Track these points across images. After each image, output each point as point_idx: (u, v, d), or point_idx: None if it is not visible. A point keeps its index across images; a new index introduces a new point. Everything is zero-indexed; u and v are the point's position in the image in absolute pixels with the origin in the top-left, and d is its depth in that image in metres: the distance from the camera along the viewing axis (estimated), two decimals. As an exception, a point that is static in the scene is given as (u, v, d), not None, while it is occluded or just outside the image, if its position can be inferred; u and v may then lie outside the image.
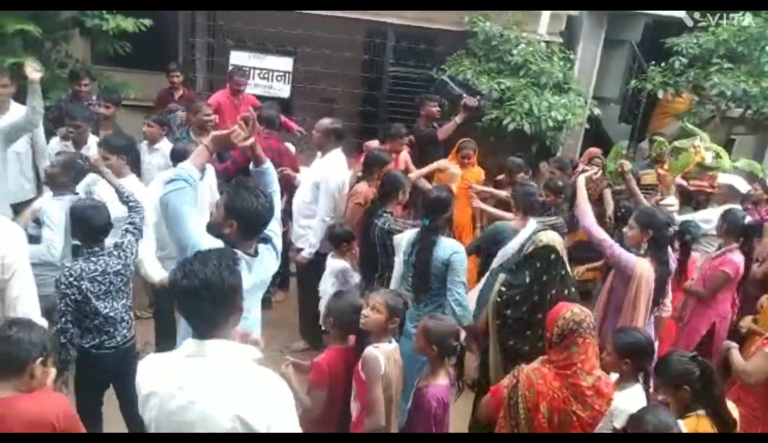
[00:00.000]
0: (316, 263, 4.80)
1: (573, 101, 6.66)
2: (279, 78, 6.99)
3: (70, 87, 5.82)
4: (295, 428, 1.95)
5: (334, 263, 4.50)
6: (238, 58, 6.89)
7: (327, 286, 4.45)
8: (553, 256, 3.42)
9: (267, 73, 6.94)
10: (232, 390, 1.85)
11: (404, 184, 4.25)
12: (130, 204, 3.66)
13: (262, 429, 1.84)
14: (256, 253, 2.69)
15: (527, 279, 3.43)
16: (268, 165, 2.93)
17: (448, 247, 3.72)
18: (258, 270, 2.69)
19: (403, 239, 3.91)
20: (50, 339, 2.42)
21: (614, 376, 2.92)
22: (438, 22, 7.32)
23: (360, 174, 4.88)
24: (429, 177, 5.72)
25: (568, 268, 3.52)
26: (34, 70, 4.36)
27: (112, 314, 3.31)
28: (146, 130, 5.25)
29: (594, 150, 6.46)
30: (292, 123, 6.55)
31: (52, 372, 2.39)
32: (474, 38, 7.13)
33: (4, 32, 5.28)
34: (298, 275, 5.25)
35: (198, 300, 1.87)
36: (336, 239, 4.53)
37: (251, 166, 2.96)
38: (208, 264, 1.90)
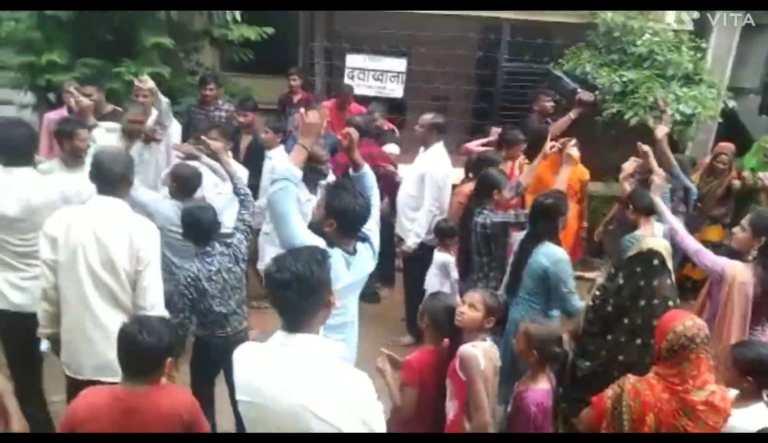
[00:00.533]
0: (422, 255, 4.89)
1: (704, 93, 6.18)
2: (393, 79, 7.08)
3: (198, 92, 6.24)
4: (377, 426, 1.96)
5: (439, 256, 4.67)
6: (354, 60, 7.07)
7: (433, 280, 4.58)
8: (655, 262, 3.17)
9: (381, 74, 7.06)
10: (305, 381, 1.91)
11: (501, 183, 4.17)
12: (241, 197, 3.80)
13: (336, 422, 1.88)
14: (354, 251, 2.79)
15: (621, 281, 3.23)
16: (365, 169, 3.04)
17: (550, 254, 3.58)
18: (356, 267, 2.80)
19: (518, 239, 3.93)
20: (175, 334, 2.61)
21: (733, 392, 2.68)
22: (555, 14, 7.07)
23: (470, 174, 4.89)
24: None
25: (673, 278, 3.24)
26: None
27: (225, 311, 3.52)
28: (263, 137, 5.49)
29: (724, 145, 5.97)
30: (388, 123, 6.55)
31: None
32: (594, 30, 6.82)
33: (143, 45, 5.77)
34: (404, 269, 5.33)
35: (289, 292, 1.94)
36: (440, 233, 4.69)
37: (351, 171, 3.08)
38: (299, 259, 1.98)
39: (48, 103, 6.15)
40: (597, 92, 6.24)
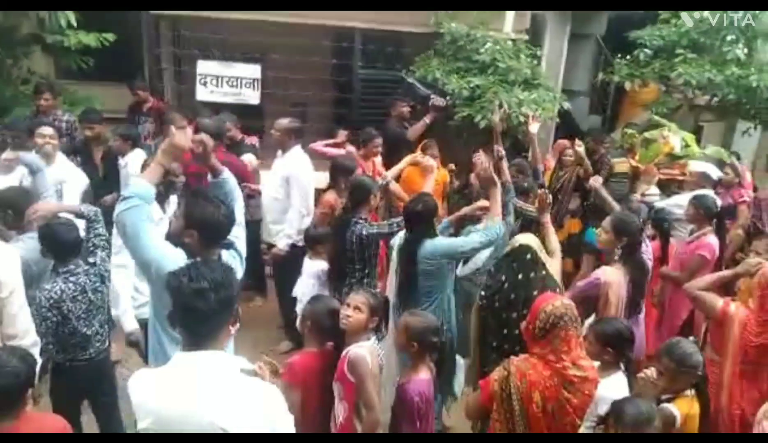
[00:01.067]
0: (293, 258, 4.84)
1: (542, 96, 6.71)
2: (248, 85, 6.93)
3: (33, 103, 5.72)
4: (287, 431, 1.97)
5: (312, 264, 4.49)
6: (205, 67, 6.82)
7: (306, 288, 4.41)
8: (528, 256, 3.38)
9: (236, 80, 6.88)
10: (213, 398, 1.86)
11: (373, 189, 4.23)
12: (87, 215, 3.47)
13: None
14: (219, 260, 2.68)
15: (503, 278, 3.41)
16: (226, 175, 2.91)
17: (430, 250, 3.69)
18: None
19: (395, 243, 3.99)
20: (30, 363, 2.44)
21: (596, 364, 2.94)
22: (404, 24, 7.32)
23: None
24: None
25: (548, 269, 3.46)
26: None
27: (89, 332, 3.30)
28: (114, 145, 5.19)
29: (562, 142, 6.54)
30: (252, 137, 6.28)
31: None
32: (441, 39, 7.15)
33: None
34: (276, 275, 5.28)
35: (201, 302, 1.87)
36: (312, 241, 4.55)
37: (209, 177, 2.95)
38: (215, 268, 1.94)
39: None
40: (448, 97, 6.55)
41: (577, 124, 8.57)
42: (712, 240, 4.54)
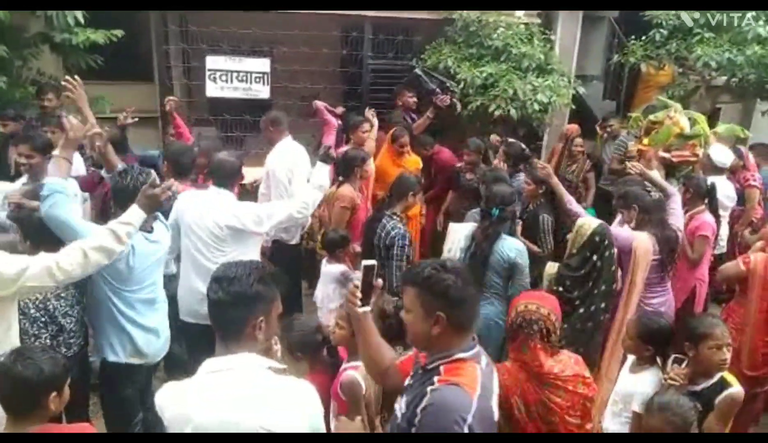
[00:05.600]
0: (276, 252, 4.86)
1: (557, 82, 6.59)
2: (258, 79, 6.84)
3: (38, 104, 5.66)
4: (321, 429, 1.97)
5: (331, 268, 4.35)
6: (214, 62, 6.73)
7: (328, 292, 4.29)
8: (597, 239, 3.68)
9: (245, 75, 6.80)
10: (256, 404, 1.84)
11: (416, 187, 4.23)
12: None
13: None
14: (152, 230, 3.22)
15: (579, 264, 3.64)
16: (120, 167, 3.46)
17: (513, 247, 3.74)
18: (157, 243, 3.26)
19: (459, 231, 3.96)
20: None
21: (630, 358, 2.89)
22: (414, 11, 7.22)
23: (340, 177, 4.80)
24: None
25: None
26: None
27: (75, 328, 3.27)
28: None
29: (570, 127, 6.44)
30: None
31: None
32: (452, 25, 7.03)
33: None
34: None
35: (214, 292, 1.91)
36: (331, 244, 4.40)
37: (104, 172, 3.58)
38: (237, 265, 1.97)
39: None
40: (455, 90, 6.43)
41: (591, 110, 8.43)
42: (708, 218, 4.65)
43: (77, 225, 2.89)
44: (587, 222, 3.76)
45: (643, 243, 3.95)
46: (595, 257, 3.67)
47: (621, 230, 4.09)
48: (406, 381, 2.12)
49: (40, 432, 2.15)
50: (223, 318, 1.93)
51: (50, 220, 2.85)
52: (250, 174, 5.07)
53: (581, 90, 7.06)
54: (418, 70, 6.61)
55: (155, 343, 3.34)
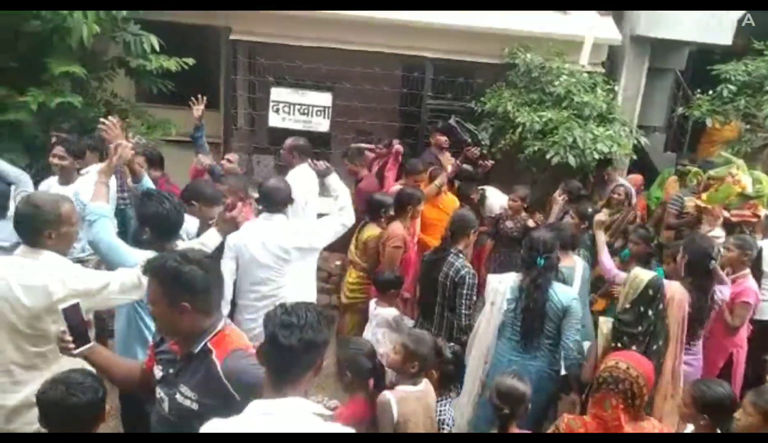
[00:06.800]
0: None
1: (618, 132, 6.49)
2: (318, 113, 7.01)
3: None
4: None
5: (383, 312, 4.21)
6: (278, 94, 6.94)
7: (377, 337, 4.14)
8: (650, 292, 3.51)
9: (307, 108, 6.97)
10: None
11: (476, 224, 4.16)
12: None
13: None
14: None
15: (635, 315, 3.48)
16: (145, 179, 3.60)
17: (565, 293, 3.64)
18: None
19: (502, 282, 3.77)
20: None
21: (689, 427, 2.75)
22: (476, 54, 7.29)
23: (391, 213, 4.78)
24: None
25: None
26: None
27: None
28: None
29: (632, 177, 6.31)
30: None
31: None
32: (514, 70, 7.04)
33: (52, 74, 5.41)
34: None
35: (285, 336, 1.85)
36: (384, 285, 4.30)
37: (130, 181, 3.59)
38: (311, 309, 1.92)
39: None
40: (518, 130, 6.39)
41: (652, 161, 8.25)
42: (752, 283, 4.44)
43: (124, 250, 2.92)
44: (641, 273, 3.61)
45: (677, 290, 3.74)
46: (650, 312, 3.52)
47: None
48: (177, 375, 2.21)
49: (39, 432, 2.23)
50: (290, 364, 1.88)
51: (97, 243, 2.89)
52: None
53: (643, 141, 6.92)
54: (452, 121, 6.57)
55: None
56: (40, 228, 2.62)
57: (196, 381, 2.13)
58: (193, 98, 5.67)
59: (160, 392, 2.24)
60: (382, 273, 4.39)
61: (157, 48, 5.97)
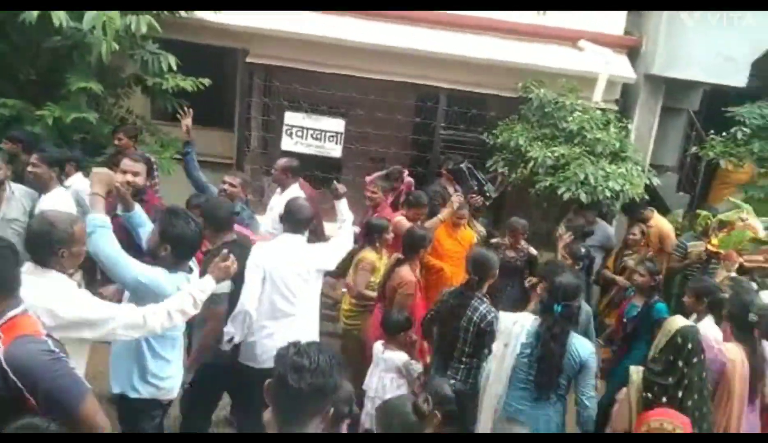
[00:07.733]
0: None
1: (630, 170, 6.46)
2: (331, 138, 7.04)
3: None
4: None
5: (393, 356, 4.04)
6: (292, 118, 7.00)
7: (384, 382, 4.02)
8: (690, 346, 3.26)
9: (319, 133, 7.02)
10: None
11: (498, 265, 3.99)
12: None
13: None
14: (191, 270, 3.17)
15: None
16: (137, 209, 3.46)
17: (584, 346, 3.45)
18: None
19: (516, 323, 3.57)
20: None
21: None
22: (490, 87, 7.33)
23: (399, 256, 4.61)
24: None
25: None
26: None
27: None
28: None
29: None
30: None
31: None
32: (527, 104, 7.06)
33: (69, 89, 5.46)
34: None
35: (296, 378, 1.79)
36: (394, 327, 4.10)
37: (120, 210, 3.47)
38: (324, 352, 1.86)
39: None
40: (530, 165, 6.39)
41: (664, 201, 8.20)
42: None
43: (124, 260, 2.91)
44: (675, 320, 3.40)
45: (737, 353, 3.58)
46: (680, 362, 3.21)
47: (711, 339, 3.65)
48: None
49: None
50: (296, 408, 1.83)
51: (98, 254, 2.88)
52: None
53: (655, 181, 6.88)
54: (463, 166, 6.52)
55: (176, 378, 3.32)
56: (54, 246, 2.59)
57: None
58: (180, 111, 5.63)
59: None
60: (391, 314, 4.23)
61: (175, 67, 6.04)
